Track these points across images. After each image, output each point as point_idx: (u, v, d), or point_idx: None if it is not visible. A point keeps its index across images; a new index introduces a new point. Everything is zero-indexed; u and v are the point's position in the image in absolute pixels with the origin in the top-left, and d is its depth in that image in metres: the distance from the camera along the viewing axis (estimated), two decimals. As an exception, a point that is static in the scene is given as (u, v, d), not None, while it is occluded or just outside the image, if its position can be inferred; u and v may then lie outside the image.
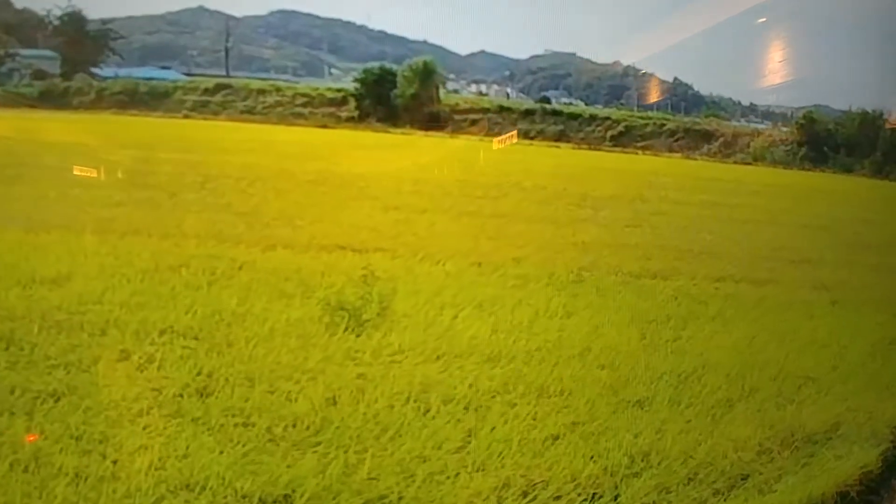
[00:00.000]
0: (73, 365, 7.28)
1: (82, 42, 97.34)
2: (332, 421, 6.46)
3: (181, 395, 6.77)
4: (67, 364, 7.28)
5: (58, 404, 6.49)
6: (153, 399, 6.64)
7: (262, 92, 76.93)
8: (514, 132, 74.84)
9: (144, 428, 6.18)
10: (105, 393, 6.74)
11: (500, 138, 72.12)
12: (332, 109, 72.03)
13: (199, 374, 7.19)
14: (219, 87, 79.34)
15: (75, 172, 21.24)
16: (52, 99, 77.89)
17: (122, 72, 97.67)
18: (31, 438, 6.49)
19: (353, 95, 72.40)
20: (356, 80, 74.63)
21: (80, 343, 7.80)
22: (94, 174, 21.02)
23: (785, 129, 66.97)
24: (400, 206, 18.97)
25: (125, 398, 6.62)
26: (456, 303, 10.22)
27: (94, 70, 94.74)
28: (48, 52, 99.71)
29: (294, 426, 6.34)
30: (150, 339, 8.02)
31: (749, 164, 58.35)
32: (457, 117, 70.66)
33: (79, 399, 6.59)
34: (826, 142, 59.87)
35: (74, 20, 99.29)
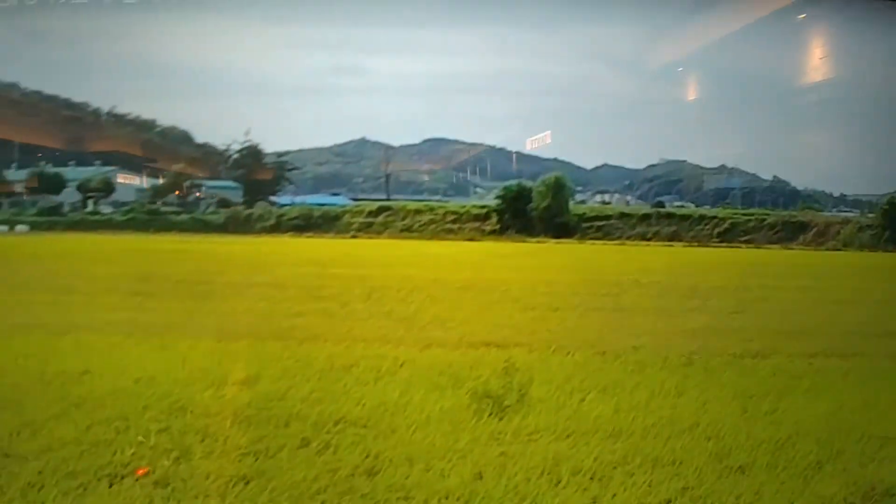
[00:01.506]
0: (261, 452, 7.60)
1: (261, 173, 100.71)
2: (479, 493, 6.66)
3: (352, 475, 7.03)
4: (256, 452, 7.61)
5: (247, 487, 6.79)
6: (329, 479, 6.91)
7: (417, 212, 78.70)
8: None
9: (322, 504, 6.46)
10: (288, 475, 7.03)
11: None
12: (477, 224, 73.27)
13: (367, 456, 7.47)
14: (381, 210, 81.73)
15: (259, 288, 22.06)
16: (237, 225, 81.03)
17: (298, 199, 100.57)
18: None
19: (495, 211, 73.61)
20: (497, 196, 75.89)
21: (267, 434, 8.14)
22: (276, 290, 21.77)
23: (871, 215, 65.86)
24: (536, 306, 19.29)
25: (305, 479, 6.91)
26: (583, 388, 10.35)
27: (273, 198, 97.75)
28: (231, 183, 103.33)
29: (447, 498, 6.55)
30: (327, 429, 8.33)
31: (839, 250, 57.68)
32: (584, 225, 70.99)
33: (266, 481, 6.89)
34: (906, 224, 58.91)
35: (252, 153, 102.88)
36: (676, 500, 6.71)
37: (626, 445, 7.99)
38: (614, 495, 6.72)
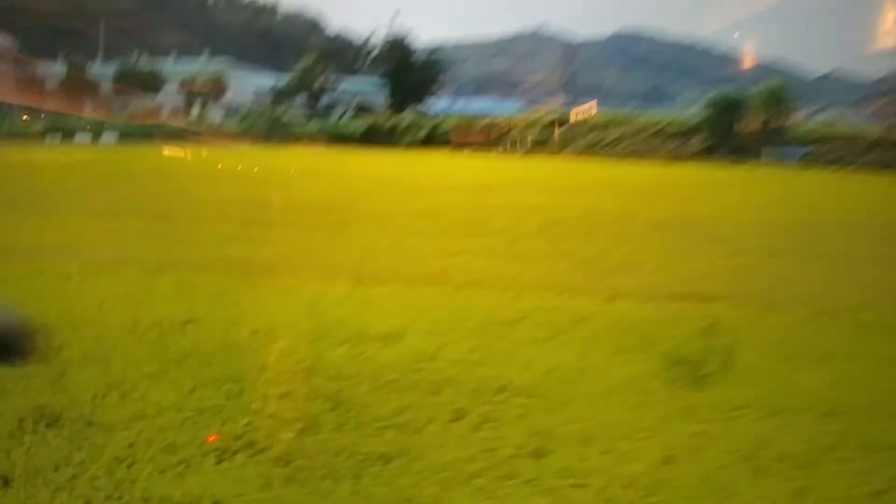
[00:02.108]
0: (405, 426, 7.52)
1: (408, 72, 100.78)
2: (667, 481, 6.52)
3: (516, 456, 6.90)
4: (399, 425, 7.53)
5: (387, 467, 6.71)
6: (487, 460, 6.84)
7: (604, 126, 78.02)
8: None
9: (477, 490, 6.40)
10: (438, 454, 6.96)
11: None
12: (678, 142, 72.10)
13: (534, 433, 7.32)
14: (559, 121, 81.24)
15: (407, 218, 22.31)
16: (379, 136, 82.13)
17: (456, 105, 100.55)
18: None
19: (699, 126, 72.21)
20: (703, 109, 74.46)
21: (413, 403, 8.05)
22: (427, 221, 21.97)
23: None
24: (746, 250, 18.87)
25: (458, 459, 6.85)
26: (797, 354, 10.03)
27: (424, 104, 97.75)
28: (371, 84, 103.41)
29: (628, 487, 6.47)
30: (487, 398, 8.19)
31: None
32: (805, 148, 69.06)
33: (410, 461, 6.81)
34: None
35: (399, 47, 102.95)
36: (888, 491, 6.51)
37: (841, 426, 7.74)
38: (821, 486, 6.57)
